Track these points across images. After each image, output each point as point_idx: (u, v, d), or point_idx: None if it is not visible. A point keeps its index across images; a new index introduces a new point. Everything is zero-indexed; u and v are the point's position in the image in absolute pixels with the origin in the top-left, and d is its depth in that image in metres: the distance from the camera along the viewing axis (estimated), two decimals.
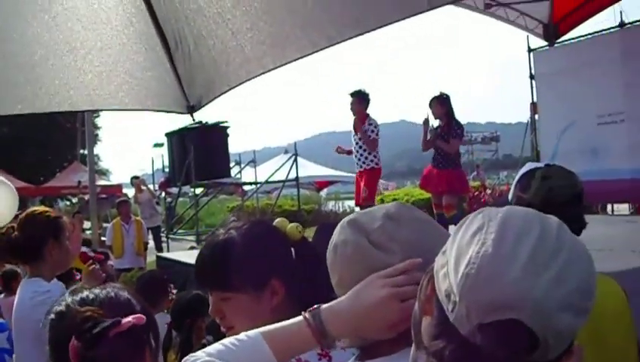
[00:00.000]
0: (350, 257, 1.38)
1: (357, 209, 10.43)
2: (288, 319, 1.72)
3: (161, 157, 20.40)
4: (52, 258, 3.20)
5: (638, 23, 11.46)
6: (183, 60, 4.73)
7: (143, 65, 4.87)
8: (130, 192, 16.77)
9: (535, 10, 12.74)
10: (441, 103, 8.73)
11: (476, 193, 17.77)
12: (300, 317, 1.37)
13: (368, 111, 9.32)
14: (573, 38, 12.74)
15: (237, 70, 4.61)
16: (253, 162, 20.50)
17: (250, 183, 20.28)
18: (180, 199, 20.99)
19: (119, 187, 28.10)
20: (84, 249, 4.40)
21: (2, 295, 5.71)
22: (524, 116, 13.82)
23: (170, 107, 5.37)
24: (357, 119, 9.24)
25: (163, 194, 20.34)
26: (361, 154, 9.25)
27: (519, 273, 0.85)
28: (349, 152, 9.63)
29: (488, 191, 18.05)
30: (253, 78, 4.51)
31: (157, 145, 22.81)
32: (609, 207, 13.08)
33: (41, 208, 3.42)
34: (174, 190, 19.11)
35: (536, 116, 13.23)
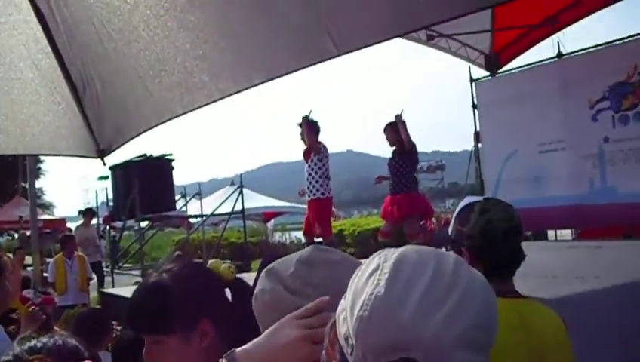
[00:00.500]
0: (268, 305, 1.40)
1: (302, 238, 10.40)
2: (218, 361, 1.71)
3: (106, 191, 20.14)
4: None
5: (574, 54, 11.75)
6: (91, 104, 4.62)
7: (51, 108, 4.75)
8: (74, 226, 16.42)
9: (476, 42, 12.96)
10: (394, 129, 8.74)
11: (422, 221, 17.87)
12: None
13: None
14: (513, 69, 13.00)
15: (146, 115, 4.55)
16: (199, 194, 20.37)
17: (196, 216, 20.12)
18: (125, 233, 20.67)
19: (63, 221, 27.56)
20: (26, 292, 4.26)
21: None
22: (469, 145, 13.99)
23: (81, 151, 5.24)
24: (307, 148, 9.17)
25: (107, 228, 20.03)
26: (311, 183, 9.12)
27: (412, 312, 0.84)
28: (307, 150, 9.33)
29: (434, 220, 18.17)
30: (164, 122, 4.45)
31: (101, 178, 22.50)
32: (551, 233, 13.28)
33: None
34: (119, 224, 18.83)
35: (480, 145, 13.40)
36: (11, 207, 25.17)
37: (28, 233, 17.09)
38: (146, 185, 15.69)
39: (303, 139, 9.20)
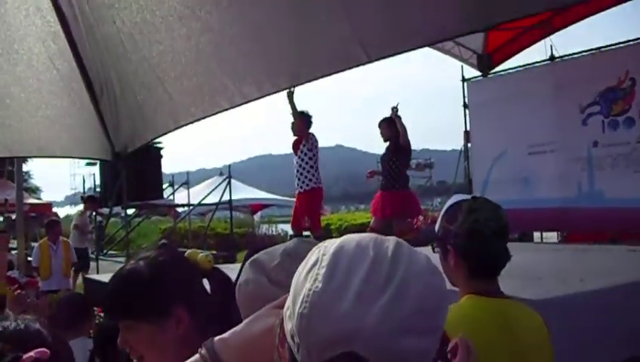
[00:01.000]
0: (251, 295, 1.40)
1: (289, 231, 10.39)
2: (198, 349, 1.71)
3: (93, 177, 20.06)
4: None
5: (567, 58, 11.78)
6: (108, 106, 4.53)
7: (67, 111, 4.66)
8: (61, 211, 16.38)
9: (470, 41, 12.95)
10: (389, 125, 8.71)
11: (409, 220, 17.91)
12: (197, 355, 1.35)
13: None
14: (506, 70, 13.03)
15: (164, 119, 4.47)
16: (187, 183, 20.32)
17: (183, 205, 20.08)
18: (111, 219, 20.59)
19: (49, 206, 27.42)
20: (11, 273, 4.24)
21: None
22: (458, 144, 14.02)
23: (95, 154, 5.17)
24: (297, 140, 9.14)
25: (93, 214, 19.95)
26: (301, 174, 9.08)
27: (350, 305, 0.83)
28: (296, 141, 9.34)
29: (421, 218, 18.21)
30: (182, 126, 4.38)
31: (89, 163, 22.38)
32: (537, 234, 13.31)
33: None
34: (105, 210, 18.76)
35: (469, 144, 13.43)
36: None
37: (13, 216, 17.01)
38: (134, 173, 15.63)
39: (293, 129, 9.17)
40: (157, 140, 16.92)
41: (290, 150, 9.44)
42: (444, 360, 1.35)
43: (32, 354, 1.51)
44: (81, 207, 17.02)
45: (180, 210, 21.07)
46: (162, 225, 26.05)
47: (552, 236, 13.04)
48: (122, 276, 1.86)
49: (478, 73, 13.35)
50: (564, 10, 11.34)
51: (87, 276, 11.67)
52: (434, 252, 2.28)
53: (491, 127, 12.43)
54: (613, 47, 11.09)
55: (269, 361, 1.28)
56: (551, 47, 11.92)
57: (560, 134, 11.24)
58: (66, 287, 10.39)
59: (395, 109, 8.73)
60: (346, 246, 0.90)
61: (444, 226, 2.27)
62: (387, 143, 8.89)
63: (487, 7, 2.69)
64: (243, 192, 25.49)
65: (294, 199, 9.65)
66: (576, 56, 11.61)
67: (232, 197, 19.38)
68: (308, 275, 0.89)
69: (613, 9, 11.13)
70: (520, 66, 12.67)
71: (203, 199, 19.69)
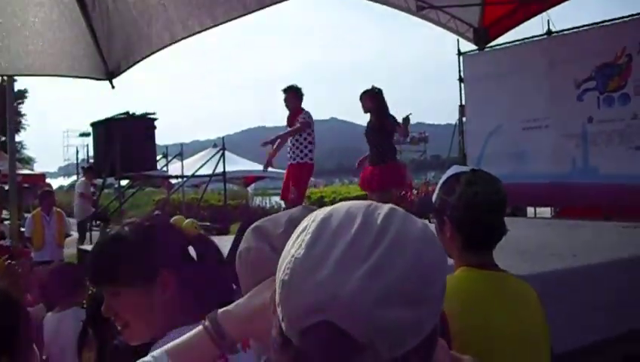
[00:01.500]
0: (252, 264, 1.34)
1: (282, 203, 10.36)
2: (184, 315, 1.67)
3: (86, 148, 19.99)
4: None
5: (564, 33, 11.73)
6: (101, 20, 4.34)
7: (57, 26, 4.46)
8: (54, 182, 16.35)
9: (466, 15, 12.89)
10: (371, 98, 8.64)
11: (402, 193, 17.94)
12: (200, 326, 1.32)
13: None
14: (502, 44, 12.96)
15: (160, 32, 4.31)
16: (181, 155, 20.26)
17: (177, 176, 20.04)
18: (105, 191, 20.53)
19: (42, 176, 27.35)
20: (2, 242, 4.23)
21: None
22: (453, 118, 13.98)
23: (87, 72, 4.97)
24: (291, 114, 9.09)
25: None
26: (297, 147, 9.00)
27: (329, 271, 0.79)
28: (272, 142, 9.34)
29: (415, 191, 18.23)
30: (178, 41, 4.21)
31: (83, 134, 22.34)
32: (530, 209, 13.35)
33: None
34: (99, 181, 18.71)
35: (464, 119, 13.41)
36: None
37: (6, 187, 16.96)
38: (128, 144, 15.59)
39: (287, 106, 9.14)
40: (150, 111, 16.88)
41: (284, 122, 9.40)
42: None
43: None
44: (74, 178, 17.03)
45: (173, 181, 21.02)
46: (156, 197, 26.04)
47: (545, 211, 13.08)
48: (106, 241, 1.85)
49: (475, 47, 13.28)
50: None
51: (81, 246, 11.67)
52: (430, 223, 2.27)
53: (486, 102, 12.41)
54: (610, 22, 11.05)
55: (268, 333, 1.27)
56: (548, 21, 11.89)
57: (555, 109, 11.24)
58: (60, 258, 10.37)
59: (406, 120, 8.67)
60: (335, 213, 0.87)
61: (442, 197, 2.25)
62: (369, 117, 8.78)
63: None
64: (237, 164, 25.44)
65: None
66: (573, 31, 11.56)
67: (226, 169, 19.35)
68: (295, 241, 0.86)
69: None
70: (516, 41, 12.61)
71: (197, 171, 19.64)
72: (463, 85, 13.18)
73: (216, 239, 1.97)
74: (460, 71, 13.16)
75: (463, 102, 13.26)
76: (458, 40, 13.19)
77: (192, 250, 1.84)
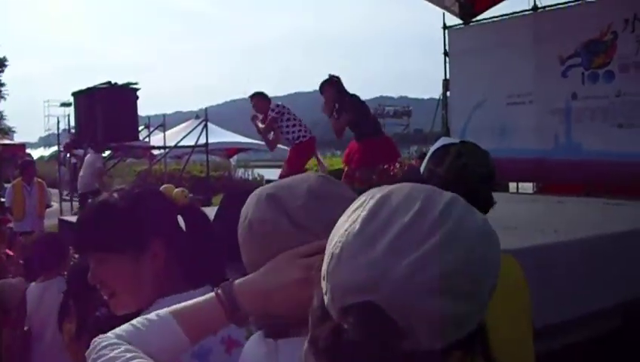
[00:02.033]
0: (267, 236, 1.27)
1: (266, 177, 10.38)
2: (174, 286, 1.65)
3: (68, 118, 19.81)
4: None
5: (549, 8, 11.69)
6: None
7: None
8: (34, 153, 16.22)
9: None
10: (331, 86, 8.52)
11: (385, 166, 17.95)
12: (212, 293, 1.29)
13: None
14: (488, 18, 12.92)
15: None
16: (163, 126, 20.15)
17: (159, 147, 19.94)
18: None
19: (22, 146, 27.17)
20: None
21: None
22: (437, 92, 13.96)
23: None
24: (264, 116, 9.27)
25: (68, 155, 19.76)
26: (287, 133, 9.19)
27: (383, 251, 0.79)
28: (264, 120, 9.36)
29: (397, 165, 18.24)
30: None
31: (64, 104, 22.08)
32: (512, 185, 13.40)
33: None
34: (80, 152, 18.57)
35: (448, 93, 13.39)
36: None
37: None
38: (110, 114, 15.47)
39: (257, 110, 9.38)
40: (133, 81, 16.74)
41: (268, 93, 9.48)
42: None
43: None
44: (55, 148, 16.82)
45: (155, 152, 20.92)
46: (137, 168, 25.90)
47: (527, 187, 13.13)
48: (95, 207, 1.80)
49: (460, 21, 13.23)
50: None
51: (62, 217, 11.60)
52: None
53: (471, 76, 12.38)
54: None
55: (286, 310, 1.22)
56: None
57: (539, 85, 11.23)
58: (40, 229, 10.32)
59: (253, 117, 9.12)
60: (395, 194, 0.85)
61: (430, 168, 2.24)
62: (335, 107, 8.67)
63: None
64: (219, 136, 25.33)
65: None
66: (559, 7, 11.52)
67: (209, 141, 19.27)
68: (349, 217, 0.85)
69: None
70: (502, 15, 12.56)
71: (179, 142, 19.54)
72: (447, 59, 13.12)
73: None
74: (445, 45, 13.10)
75: (448, 77, 13.24)
76: (444, 14, 13.13)
77: (180, 220, 1.81)
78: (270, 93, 9.52)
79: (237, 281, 1.28)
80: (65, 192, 18.64)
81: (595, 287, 4.48)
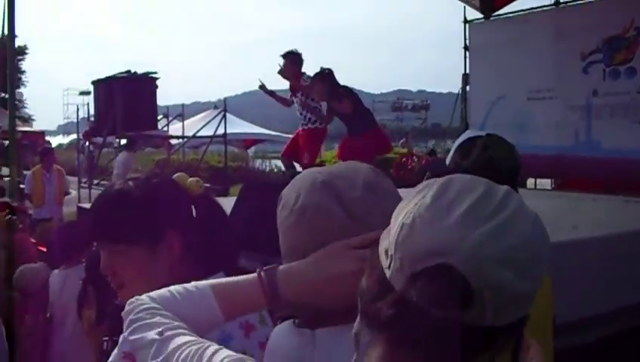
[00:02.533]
0: (320, 224, 1.25)
1: (283, 168, 10.24)
2: (188, 278, 1.65)
3: (87, 106, 19.90)
4: None
5: (572, 3, 11.61)
6: None
7: None
8: (53, 140, 16.33)
9: None
10: (322, 80, 8.35)
11: (403, 159, 17.94)
12: (254, 274, 1.27)
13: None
14: (509, 13, 12.83)
15: None
16: (181, 116, 20.19)
17: (177, 137, 20.00)
18: (104, 150, 20.49)
19: (42, 134, 27.34)
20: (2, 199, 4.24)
21: None
22: (456, 86, 13.92)
23: None
24: (293, 82, 8.88)
25: (87, 143, 19.86)
26: (307, 111, 8.77)
27: (456, 221, 0.81)
28: (272, 93, 9.29)
29: (415, 159, 18.23)
30: None
31: (83, 92, 22.19)
32: (530, 181, 13.32)
33: None
34: (99, 140, 18.66)
35: (468, 87, 13.34)
36: None
37: (6, 143, 16.91)
38: (129, 102, 15.53)
39: (280, 72, 8.92)
40: (152, 70, 16.78)
41: (285, 86, 9.28)
42: None
43: None
44: (74, 136, 16.93)
45: (173, 141, 20.98)
46: (155, 157, 25.98)
47: (545, 183, 13.06)
48: (112, 196, 1.76)
49: (481, 15, 13.15)
50: None
51: (80, 204, 11.68)
52: None
53: (491, 71, 12.30)
54: None
55: (335, 302, 1.20)
56: None
57: (560, 81, 11.14)
58: (59, 216, 10.38)
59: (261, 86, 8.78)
60: (455, 180, 0.88)
61: (456, 161, 2.23)
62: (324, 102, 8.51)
63: None
64: (237, 126, 25.35)
65: (289, 135, 9.50)
66: (581, 2, 11.44)
67: (227, 131, 19.28)
68: (416, 196, 0.87)
69: None
70: (524, 10, 12.46)
71: (198, 131, 19.58)
72: (467, 53, 13.05)
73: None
74: (465, 39, 13.03)
75: (467, 71, 13.17)
76: (464, 8, 13.06)
77: (194, 210, 1.78)
78: (285, 85, 9.30)
79: (281, 267, 1.26)
80: (83, 180, 18.74)
81: (615, 285, 4.45)
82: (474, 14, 13.20)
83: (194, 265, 1.70)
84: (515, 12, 12.66)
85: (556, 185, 12.52)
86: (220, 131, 19.04)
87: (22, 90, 41.68)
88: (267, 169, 28.39)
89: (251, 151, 32.08)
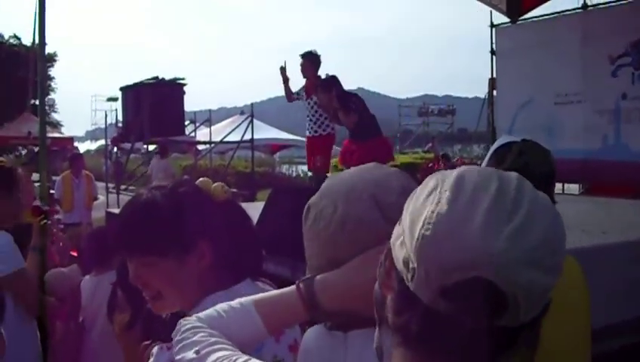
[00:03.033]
0: (362, 236, 1.25)
1: (309, 174, 10.21)
2: (218, 283, 1.64)
3: (115, 112, 20.09)
4: (1, 209, 3.08)
5: (600, 6, 11.52)
6: None
7: None
8: (81, 146, 16.50)
9: None
10: (327, 90, 8.17)
11: (430, 164, 17.92)
12: (293, 287, 1.29)
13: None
14: (536, 17, 12.77)
15: None
16: (209, 121, 20.30)
17: (205, 142, 20.10)
18: (132, 155, 20.67)
19: (71, 140, 27.57)
20: (36, 202, 4.28)
21: None
22: (482, 91, 13.89)
23: None
24: (308, 82, 8.79)
25: (115, 149, 20.03)
26: (316, 118, 8.70)
27: (478, 228, 0.79)
28: (286, 80, 9.09)
29: (441, 164, 18.20)
30: None
31: (111, 99, 22.37)
32: (558, 185, 13.22)
33: None
34: (127, 145, 18.83)
35: (494, 92, 13.28)
36: (20, 122, 25.09)
37: (36, 149, 17.12)
38: (156, 108, 15.65)
39: (302, 72, 8.85)
40: (180, 76, 16.91)
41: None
42: None
43: None
44: (102, 142, 17.09)
45: (201, 147, 21.09)
46: (183, 163, 26.13)
47: (573, 188, 12.95)
48: (142, 207, 1.71)
49: (507, 20, 13.10)
50: None
51: (109, 210, 11.78)
52: None
53: (518, 75, 12.24)
54: None
55: (367, 311, 1.21)
56: None
57: (588, 85, 11.06)
58: (88, 221, 10.48)
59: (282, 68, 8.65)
60: (468, 173, 0.87)
61: (492, 166, 2.24)
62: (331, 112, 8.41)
63: None
64: (263, 132, 25.43)
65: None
66: (609, 5, 11.35)
67: (254, 137, 19.35)
68: (428, 199, 0.85)
69: None
70: (551, 14, 12.40)
71: (225, 137, 19.67)
72: (494, 58, 13.01)
73: (243, 206, 1.92)
74: (492, 43, 12.98)
75: (494, 76, 13.11)
76: (491, 12, 13.02)
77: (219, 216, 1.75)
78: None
79: (318, 277, 1.27)
80: (111, 185, 18.91)
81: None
82: (501, 19, 13.17)
83: (222, 273, 1.70)
84: (542, 16, 12.61)
85: (584, 189, 12.42)
86: (247, 137, 19.12)
87: (51, 95, 42.15)
88: (294, 174, 28.46)
89: (277, 156, 32.18)
